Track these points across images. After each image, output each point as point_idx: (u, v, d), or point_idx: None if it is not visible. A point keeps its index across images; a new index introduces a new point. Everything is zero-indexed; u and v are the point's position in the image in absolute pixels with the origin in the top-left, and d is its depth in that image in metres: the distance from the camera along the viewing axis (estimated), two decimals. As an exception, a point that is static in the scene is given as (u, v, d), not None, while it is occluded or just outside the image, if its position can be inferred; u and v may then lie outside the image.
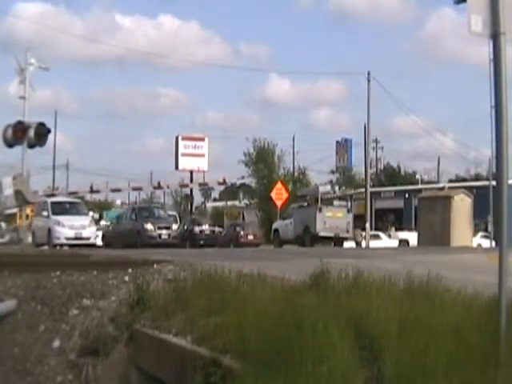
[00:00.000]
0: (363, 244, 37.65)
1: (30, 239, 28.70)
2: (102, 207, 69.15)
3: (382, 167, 71.21)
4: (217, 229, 41.29)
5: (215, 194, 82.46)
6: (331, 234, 31.06)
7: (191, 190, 57.42)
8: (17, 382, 8.01)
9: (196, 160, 51.97)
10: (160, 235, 30.37)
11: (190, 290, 8.05)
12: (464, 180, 58.34)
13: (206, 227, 39.51)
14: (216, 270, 8.44)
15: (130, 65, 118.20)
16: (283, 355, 5.14)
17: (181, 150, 52.23)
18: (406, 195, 52.17)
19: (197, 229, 38.47)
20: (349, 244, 34.85)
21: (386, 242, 39.48)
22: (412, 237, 32.89)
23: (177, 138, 53.16)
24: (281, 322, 5.62)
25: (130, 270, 9.89)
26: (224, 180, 56.11)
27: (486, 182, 37.81)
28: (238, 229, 40.72)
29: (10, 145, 23.56)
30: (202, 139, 53.67)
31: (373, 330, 5.40)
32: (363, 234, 39.54)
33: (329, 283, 7.03)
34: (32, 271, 9.82)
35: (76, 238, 26.00)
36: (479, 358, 4.85)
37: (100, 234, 33.62)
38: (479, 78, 77.23)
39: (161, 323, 7.54)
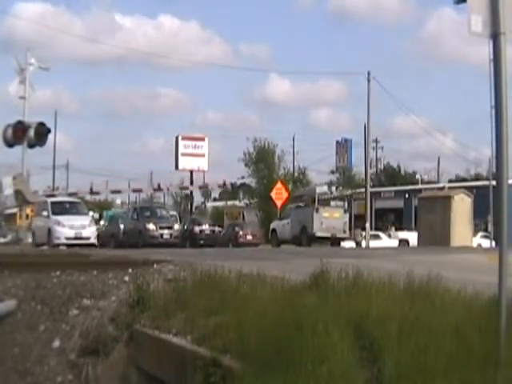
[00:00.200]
0: (363, 244, 37.68)
1: (29, 239, 28.73)
2: (102, 207, 69.03)
3: (382, 167, 71.23)
4: (217, 229, 41.32)
5: (215, 194, 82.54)
6: (328, 235, 31.18)
7: (191, 191, 57.51)
8: (17, 382, 8.01)
9: (196, 160, 52.03)
10: (162, 235, 30.37)
11: (189, 289, 8.05)
12: (464, 180, 58.33)
13: (206, 227, 39.56)
14: (216, 270, 8.44)
15: (130, 65, 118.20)
16: (283, 355, 5.14)
17: (181, 149, 52.28)
18: (406, 195, 52.19)
19: (197, 229, 38.51)
20: (349, 244, 34.88)
21: (386, 241, 39.48)
22: (412, 237, 32.90)
23: (177, 138, 53.21)
24: (281, 322, 5.62)
25: (130, 270, 9.89)
26: (224, 183, 56.22)
27: (486, 182, 37.86)
28: (236, 229, 40.73)
29: (10, 145, 23.58)
30: (202, 139, 53.71)
31: (373, 330, 5.40)
32: (363, 233, 39.57)
33: (329, 283, 7.02)
34: (32, 271, 9.82)
35: (76, 238, 25.99)
36: (479, 358, 4.85)
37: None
38: (479, 78, 77.27)
39: (161, 323, 7.54)
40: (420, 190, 43.07)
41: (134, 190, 63.79)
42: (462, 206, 24.67)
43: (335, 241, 31.35)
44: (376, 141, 66.82)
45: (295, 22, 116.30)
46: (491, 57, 5.39)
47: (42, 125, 23.49)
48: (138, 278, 9.07)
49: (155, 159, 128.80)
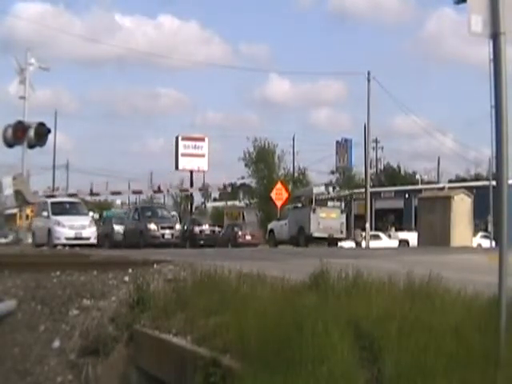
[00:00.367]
0: (363, 244, 37.70)
1: (30, 239, 28.74)
2: (102, 207, 69.04)
3: (382, 167, 71.20)
4: (217, 229, 41.32)
5: (215, 194, 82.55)
6: (325, 235, 31.21)
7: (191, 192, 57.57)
8: (17, 382, 8.01)
9: (196, 160, 52.02)
10: (163, 235, 30.32)
11: (190, 290, 8.05)
12: (464, 180, 58.35)
13: (206, 227, 39.56)
14: (216, 270, 8.44)
15: (129, 65, 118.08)
16: (283, 355, 5.14)
17: (181, 150, 52.27)
18: (406, 195, 52.21)
19: (197, 229, 38.51)
20: (349, 244, 34.88)
21: (386, 242, 39.51)
22: (412, 237, 32.92)
23: (177, 138, 53.19)
24: (281, 322, 5.62)
25: (130, 270, 9.90)
26: (224, 186, 56.29)
27: (486, 182, 37.88)
28: (236, 229, 40.77)
29: (10, 145, 23.62)
30: (202, 139, 53.70)
31: (373, 330, 5.40)
32: (363, 234, 39.58)
33: (329, 283, 7.02)
34: (32, 271, 9.82)
35: (76, 238, 25.98)
36: (479, 358, 4.84)
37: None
38: (479, 78, 77.36)
39: (161, 323, 7.54)
40: (420, 190, 43.09)
41: (134, 192, 63.75)
42: (462, 206, 24.67)
43: (332, 241, 31.39)
44: (376, 141, 66.82)
45: (295, 22, 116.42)
46: (491, 57, 5.39)
47: (41, 125, 23.53)
48: (138, 278, 9.07)
49: (155, 159, 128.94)
